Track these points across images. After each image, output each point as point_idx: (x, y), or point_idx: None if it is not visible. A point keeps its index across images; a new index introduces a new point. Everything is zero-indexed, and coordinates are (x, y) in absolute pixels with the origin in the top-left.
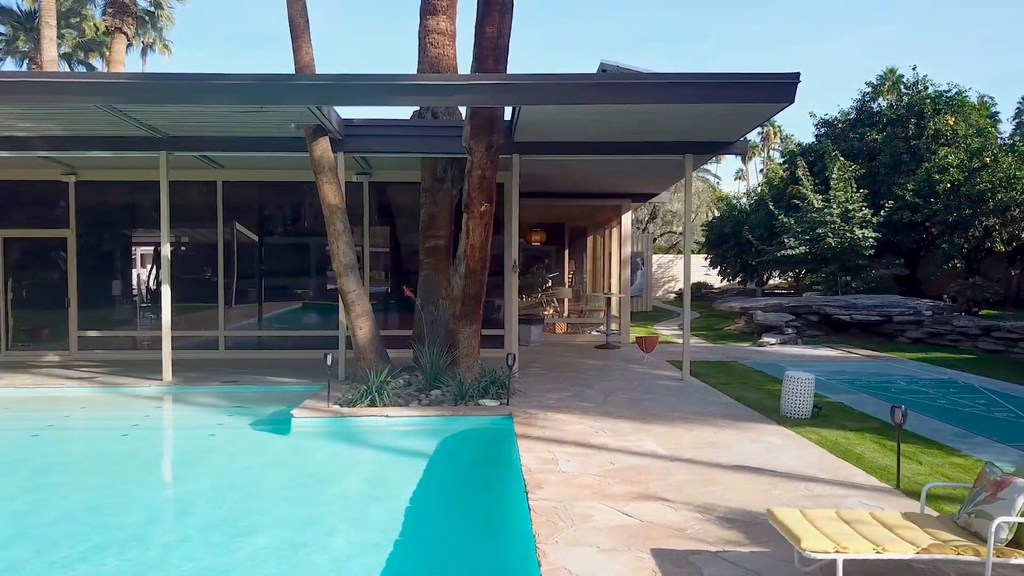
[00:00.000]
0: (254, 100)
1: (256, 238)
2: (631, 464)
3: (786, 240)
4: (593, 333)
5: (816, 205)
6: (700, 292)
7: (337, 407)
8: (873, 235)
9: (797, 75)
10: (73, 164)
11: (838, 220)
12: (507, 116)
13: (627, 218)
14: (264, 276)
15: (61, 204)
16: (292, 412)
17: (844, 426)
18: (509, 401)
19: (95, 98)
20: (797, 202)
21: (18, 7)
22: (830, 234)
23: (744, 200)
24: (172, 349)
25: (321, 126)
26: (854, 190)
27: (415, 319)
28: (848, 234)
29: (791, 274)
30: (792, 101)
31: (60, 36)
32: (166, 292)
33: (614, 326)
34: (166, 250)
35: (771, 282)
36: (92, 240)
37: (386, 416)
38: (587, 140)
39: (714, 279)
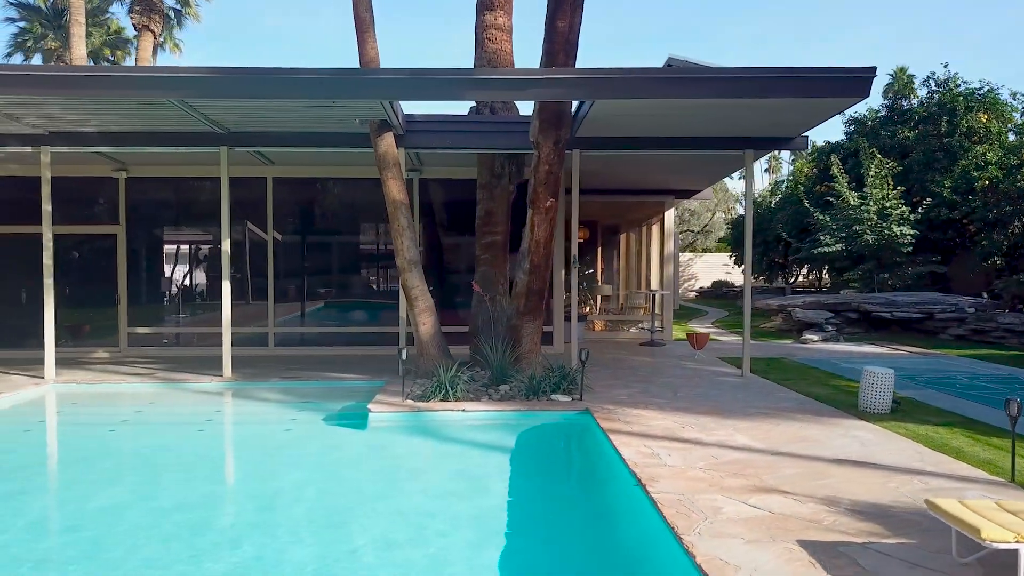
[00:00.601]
0: (331, 94)
1: (299, 236)
2: (733, 458)
3: (821, 237)
4: (631, 331)
5: (852, 202)
6: (721, 290)
7: (411, 401)
8: (911, 232)
9: (873, 69)
10: (124, 160)
11: (875, 217)
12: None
13: (670, 215)
14: (308, 273)
15: (111, 200)
16: (369, 407)
17: (926, 421)
18: (582, 397)
19: (171, 92)
20: (831, 199)
21: (45, 5)
22: (868, 231)
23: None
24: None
25: (386, 121)
26: (891, 187)
27: (472, 315)
28: (886, 231)
29: (813, 272)
30: (867, 95)
31: (87, 34)
32: (227, 288)
33: (657, 324)
34: (226, 246)
35: (792, 280)
36: (141, 236)
37: (462, 411)
38: (647, 135)
39: (736, 277)
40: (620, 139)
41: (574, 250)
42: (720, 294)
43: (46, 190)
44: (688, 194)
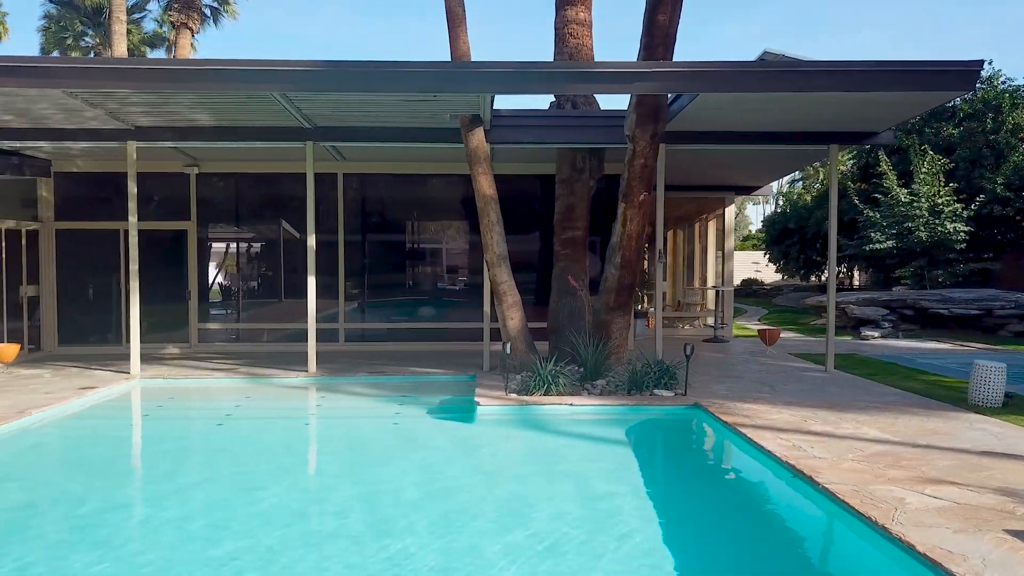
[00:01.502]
0: (437, 88)
1: (368, 232)
2: (878, 450)
3: (872, 234)
4: (686, 328)
5: (903, 199)
6: (751, 288)
7: (515, 395)
8: (964, 229)
9: (980, 63)
10: (196, 156)
11: (926, 214)
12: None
13: (730, 211)
14: (376, 270)
15: (182, 196)
16: (477, 400)
17: None
18: (686, 392)
19: (277, 86)
20: (878, 196)
21: (84, 3)
22: (921, 228)
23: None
24: (295, 342)
25: (478, 116)
26: (942, 184)
27: (551, 311)
28: (939, 228)
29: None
30: (972, 89)
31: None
32: (312, 284)
33: (715, 320)
34: (312, 241)
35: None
36: (211, 232)
37: (570, 405)
38: (733, 130)
39: (765, 275)
40: (706, 134)
41: (659, 244)
42: (750, 292)
43: (132, 186)
44: (749, 190)
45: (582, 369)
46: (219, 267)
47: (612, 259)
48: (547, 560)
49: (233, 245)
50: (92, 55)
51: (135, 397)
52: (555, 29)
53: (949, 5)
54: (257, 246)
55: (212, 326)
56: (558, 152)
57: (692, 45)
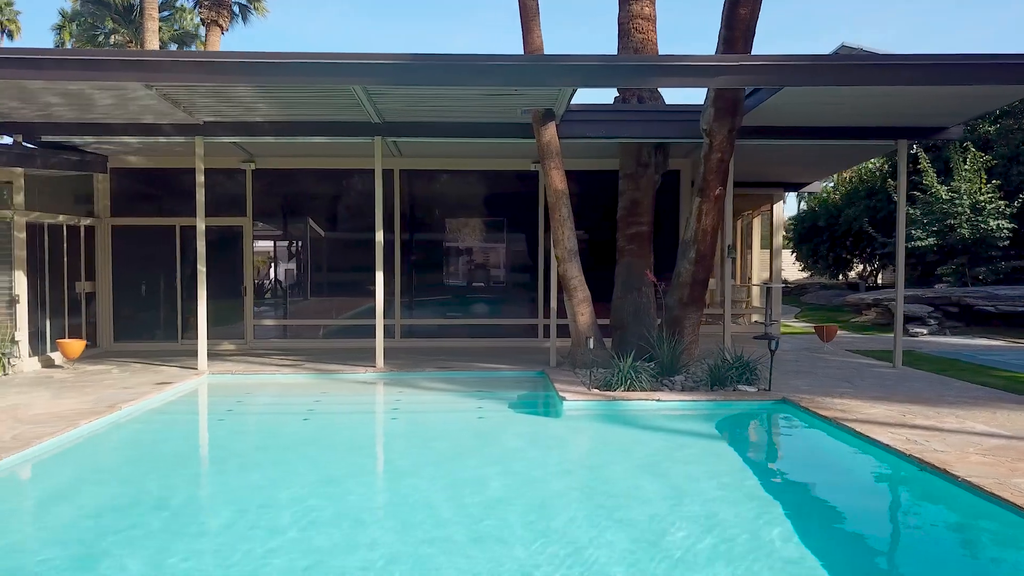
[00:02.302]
0: (519, 81)
1: (423, 228)
2: (997, 444)
3: (913, 232)
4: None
5: (943, 196)
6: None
7: (597, 391)
8: (1009, 226)
9: None
10: (253, 151)
11: (968, 211)
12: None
13: (779, 208)
14: (430, 266)
15: (238, 192)
16: (563, 395)
17: None
18: (770, 387)
19: (362, 79)
20: (917, 193)
21: (114, 0)
22: (964, 225)
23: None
24: (351, 338)
25: (551, 110)
26: (984, 181)
27: (614, 307)
28: (982, 225)
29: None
30: None
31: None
32: (379, 279)
33: (762, 316)
34: (380, 237)
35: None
36: (268, 228)
37: (657, 400)
38: (805, 125)
39: (790, 274)
40: (777, 129)
41: (728, 239)
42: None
43: (200, 180)
44: (797, 187)
45: (651, 364)
46: (273, 263)
47: (686, 254)
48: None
49: (287, 241)
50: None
51: (212, 392)
52: (619, 24)
53: (949, 5)
54: (310, 242)
55: (267, 322)
56: (621, 147)
57: (693, 44)
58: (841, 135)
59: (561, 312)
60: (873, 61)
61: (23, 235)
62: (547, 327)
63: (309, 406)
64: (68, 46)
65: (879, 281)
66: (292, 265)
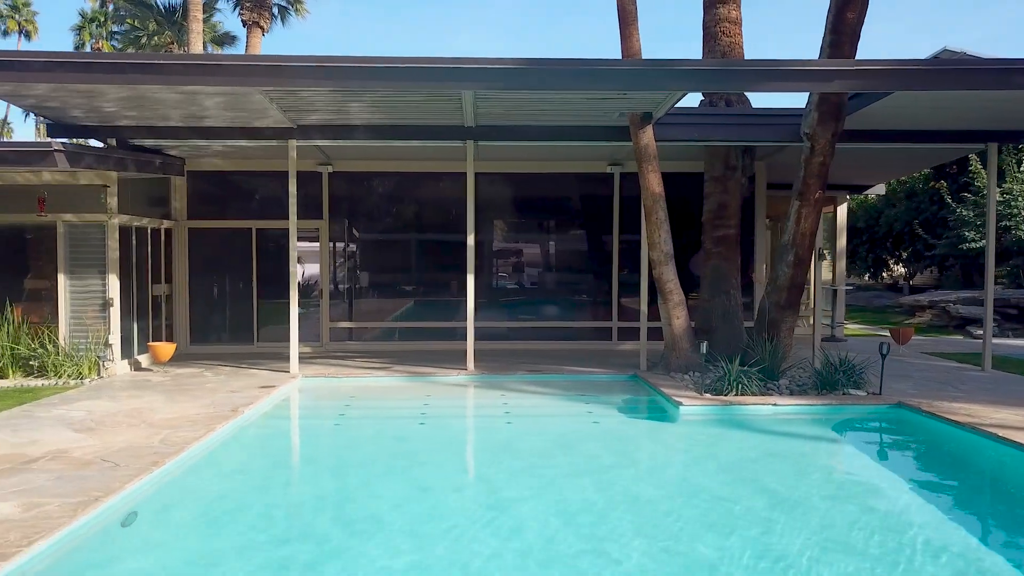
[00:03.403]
0: (630, 85)
1: (497, 231)
2: None
3: (966, 233)
4: None
5: (997, 197)
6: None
7: (709, 395)
8: None
9: None
10: (330, 155)
11: (1023, 213)
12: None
13: (843, 210)
14: (504, 269)
15: (315, 195)
16: (678, 400)
17: None
18: (881, 391)
19: (472, 83)
20: (967, 195)
21: (156, 2)
22: (1021, 226)
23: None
24: (428, 341)
25: (649, 114)
26: None
27: (703, 309)
28: None
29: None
30: None
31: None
32: (471, 283)
33: (828, 320)
34: (471, 240)
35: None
36: (342, 231)
37: (773, 405)
38: (901, 128)
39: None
40: (872, 132)
41: (819, 242)
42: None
43: (292, 183)
44: (861, 189)
45: (755, 369)
46: (347, 266)
47: (784, 257)
48: None
49: (363, 244)
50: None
51: (318, 396)
52: (704, 28)
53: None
54: (385, 245)
55: (344, 325)
56: (708, 150)
57: (694, 44)
58: (935, 139)
59: (652, 315)
60: (987, 66)
61: (116, 238)
62: (620, 330)
63: (419, 409)
64: (88, 47)
65: (911, 283)
66: (369, 268)
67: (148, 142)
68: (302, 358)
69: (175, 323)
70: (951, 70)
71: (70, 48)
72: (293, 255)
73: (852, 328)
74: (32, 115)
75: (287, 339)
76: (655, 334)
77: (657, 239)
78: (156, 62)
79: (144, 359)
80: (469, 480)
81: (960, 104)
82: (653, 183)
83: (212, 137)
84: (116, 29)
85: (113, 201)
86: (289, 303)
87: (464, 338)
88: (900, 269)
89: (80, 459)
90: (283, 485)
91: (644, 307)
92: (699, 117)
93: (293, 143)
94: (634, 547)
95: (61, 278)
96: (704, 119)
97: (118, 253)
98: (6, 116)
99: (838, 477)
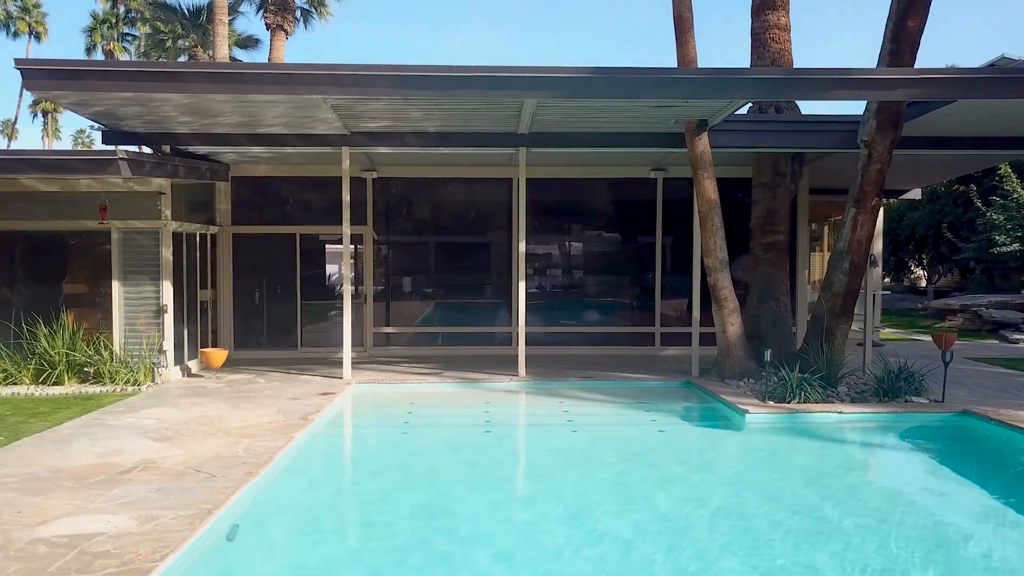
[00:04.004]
0: (699, 93)
1: (544, 237)
2: None
3: (997, 237)
4: None
5: None
6: None
7: (772, 402)
8: None
9: None
10: (375, 160)
11: None
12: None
13: (879, 214)
14: (547, 274)
15: (360, 200)
16: (744, 408)
17: None
18: (943, 398)
19: (536, 92)
20: (996, 199)
21: (180, 5)
22: None
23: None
24: (469, 345)
25: (705, 121)
26: None
27: (752, 316)
28: None
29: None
30: None
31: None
32: (522, 288)
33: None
34: (522, 246)
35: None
36: (388, 237)
37: (838, 412)
38: (957, 136)
39: None
40: (929, 139)
41: (877, 247)
42: None
43: (346, 193)
44: (897, 194)
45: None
46: (389, 271)
47: (840, 264)
48: None
49: (404, 248)
50: (186, 58)
51: (378, 402)
52: (753, 34)
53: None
54: (425, 249)
55: (388, 330)
56: (756, 156)
57: (736, 50)
58: (987, 145)
59: (704, 321)
60: None
61: (170, 245)
62: (663, 335)
63: (482, 417)
64: (99, 48)
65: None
66: (412, 272)
67: (202, 149)
68: (341, 363)
69: (219, 328)
70: (1014, 78)
71: (82, 50)
72: (347, 260)
73: (884, 332)
74: (38, 116)
75: (330, 344)
76: (706, 339)
77: (713, 246)
78: (227, 71)
79: (193, 364)
80: (556, 490)
81: (1019, 111)
82: (709, 190)
83: (266, 144)
84: (129, 31)
85: (168, 208)
86: (341, 307)
87: (505, 343)
88: (920, 272)
89: (171, 470)
90: (375, 494)
91: (696, 313)
92: (750, 124)
93: (346, 150)
94: (753, 566)
95: (115, 284)
96: (756, 126)
97: (172, 260)
98: (15, 118)
99: (935, 487)
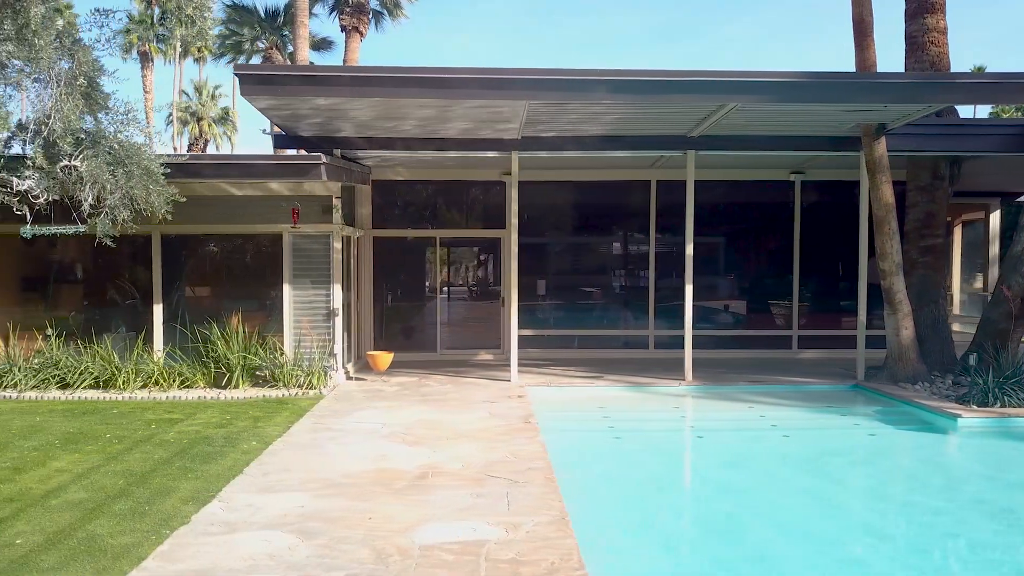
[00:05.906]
0: (901, 98)
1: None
2: None
3: None
4: None
5: None
6: None
7: (977, 407)
8: None
9: None
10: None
11: None
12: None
13: (995, 217)
14: (675, 277)
15: (498, 204)
16: (953, 413)
17: None
18: None
19: (740, 96)
20: None
21: (256, 6)
22: None
23: None
24: (606, 349)
25: (883, 125)
26: None
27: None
28: None
29: None
30: None
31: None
32: (688, 292)
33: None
34: (690, 250)
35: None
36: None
37: None
38: None
39: None
40: None
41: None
42: None
43: (514, 202)
44: (1014, 196)
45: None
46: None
47: (1018, 268)
48: None
49: (542, 252)
50: (261, 60)
51: (563, 406)
52: (908, 38)
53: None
54: (564, 253)
55: (524, 332)
56: (912, 160)
57: (693, 44)
58: None
59: (871, 324)
60: None
61: (340, 248)
62: (801, 338)
63: (678, 421)
64: (135, 51)
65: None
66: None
67: (372, 153)
68: (488, 365)
69: (361, 331)
70: None
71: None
72: (513, 264)
73: None
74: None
75: (468, 347)
76: (844, 343)
77: (889, 250)
78: (438, 76)
79: (350, 367)
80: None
81: None
82: (887, 194)
83: (435, 148)
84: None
85: (338, 213)
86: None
87: (640, 346)
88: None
89: (462, 474)
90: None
91: (863, 316)
92: (916, 128)
93: (515, 155)
94: None
95: (286, 288)
96: (921, 130)
97: (341, 263)
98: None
99: None
